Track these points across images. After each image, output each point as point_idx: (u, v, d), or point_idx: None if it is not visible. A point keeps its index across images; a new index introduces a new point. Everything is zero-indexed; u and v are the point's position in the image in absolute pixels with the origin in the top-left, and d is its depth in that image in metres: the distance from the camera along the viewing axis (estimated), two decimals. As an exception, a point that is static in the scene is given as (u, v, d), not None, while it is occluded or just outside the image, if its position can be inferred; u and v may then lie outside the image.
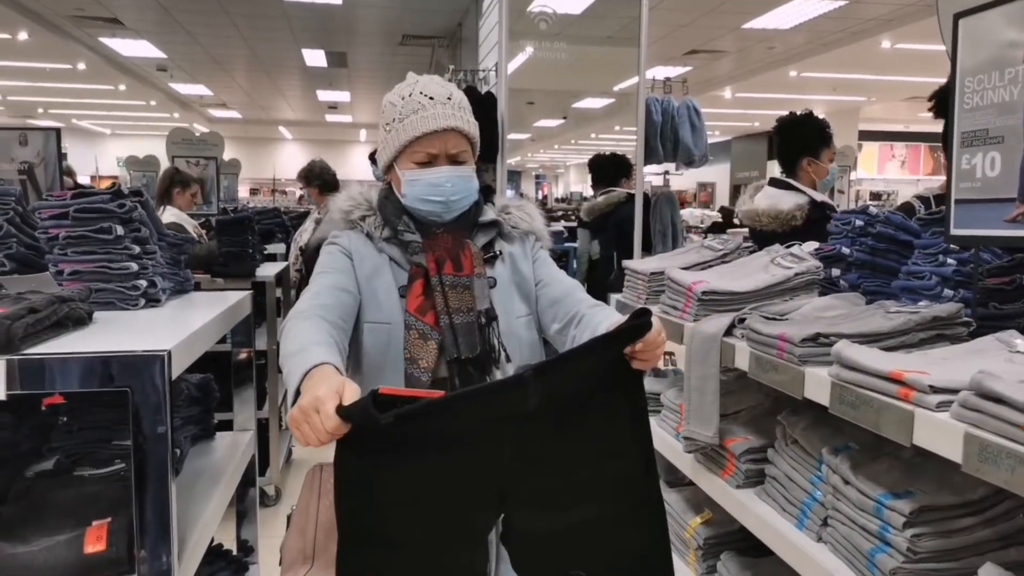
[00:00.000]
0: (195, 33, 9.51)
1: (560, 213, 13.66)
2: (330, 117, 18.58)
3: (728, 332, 1.79)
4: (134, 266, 1.58)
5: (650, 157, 4.43)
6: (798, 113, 3.11)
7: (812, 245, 2.11)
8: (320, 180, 5.15)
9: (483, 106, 4.24)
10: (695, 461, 1.92)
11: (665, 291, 2.15)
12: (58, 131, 3.61)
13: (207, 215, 6.01)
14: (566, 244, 6.65)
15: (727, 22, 8.41)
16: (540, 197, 25.84)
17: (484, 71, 4.46)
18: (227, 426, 2.06)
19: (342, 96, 15.10)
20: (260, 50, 10.62)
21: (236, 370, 2.09)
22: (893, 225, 1.88)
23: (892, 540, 1.25)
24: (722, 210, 12.24)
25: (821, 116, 3.23)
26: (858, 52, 9.29)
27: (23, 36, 9.09)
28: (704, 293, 1.95)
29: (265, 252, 4.60)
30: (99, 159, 17.87)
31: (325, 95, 14.92)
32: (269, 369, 3.81)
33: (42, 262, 1.65)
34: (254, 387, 2.14)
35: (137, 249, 1.60)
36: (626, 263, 2.50)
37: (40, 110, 17.01)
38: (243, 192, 17.81)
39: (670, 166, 4.69)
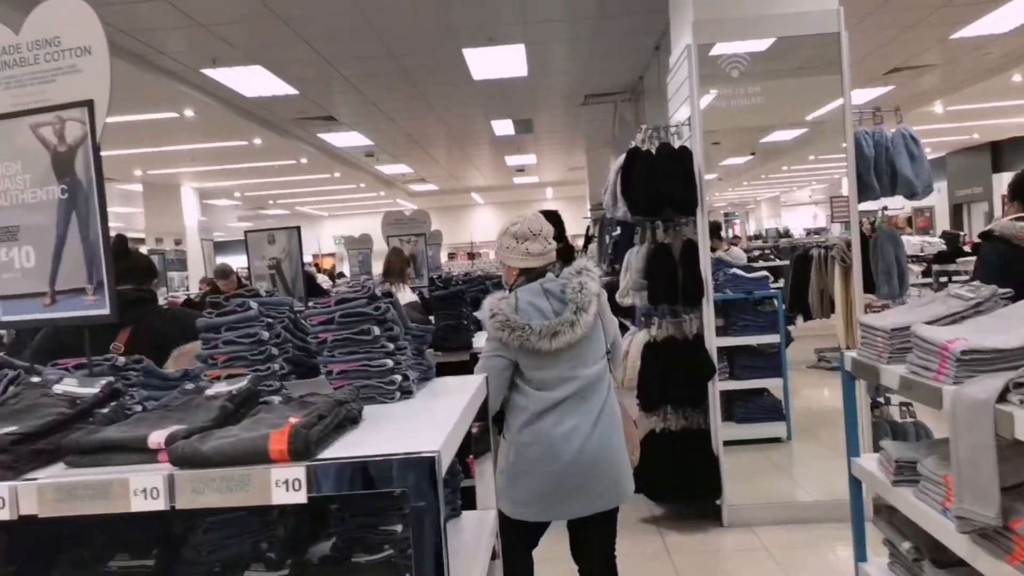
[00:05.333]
0: (397, 120, 10.39)
1: (758, 252, 13.06)
2: (517, 179, 19.38)
3: (1001, 397, 1.61)
4: (390, 362, 1.73)
5: (865, 193, 4.16)
6: None
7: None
8: None
9: (678, 160, 4.23)
10: (971, 542, 1.73)
11: (913, 349, 1.98)
12: (298, 229, 4.08)
13: (418, 287, 6.42)
14: (771, 288, 6.34)
15: (932, 35, 7.79)
16: (731, 236, 25.00)
17: (676, 126, 4.45)
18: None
19: (528, 159, 15.72)
20: (454, 127, 11.38)
21: (475, 443, 2.19)
22: None
23: None
24: (945, 235, 11.10)
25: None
26: (1097, 45, 8.20)
27: (257, 141, 10.44)
28: (963, 352, 1.77)
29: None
30: (320, 239, 19.84)
31: (513, 160, 15.62)
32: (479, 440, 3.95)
33: (311, 362, 1.85)
34: (493, 459, 2.22)
35: (391, 346, 1.74)
36: (861, 318, 2.34)
37: (270, 201, 19.31)
38: (442, 257, 18.93)
39: (888, 200, 4.37)
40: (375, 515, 1.67)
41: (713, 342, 4.24)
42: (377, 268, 11.46)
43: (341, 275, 16.06)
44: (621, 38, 7.34)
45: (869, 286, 4.35)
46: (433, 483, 1.23)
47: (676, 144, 4.42)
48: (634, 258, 4.64)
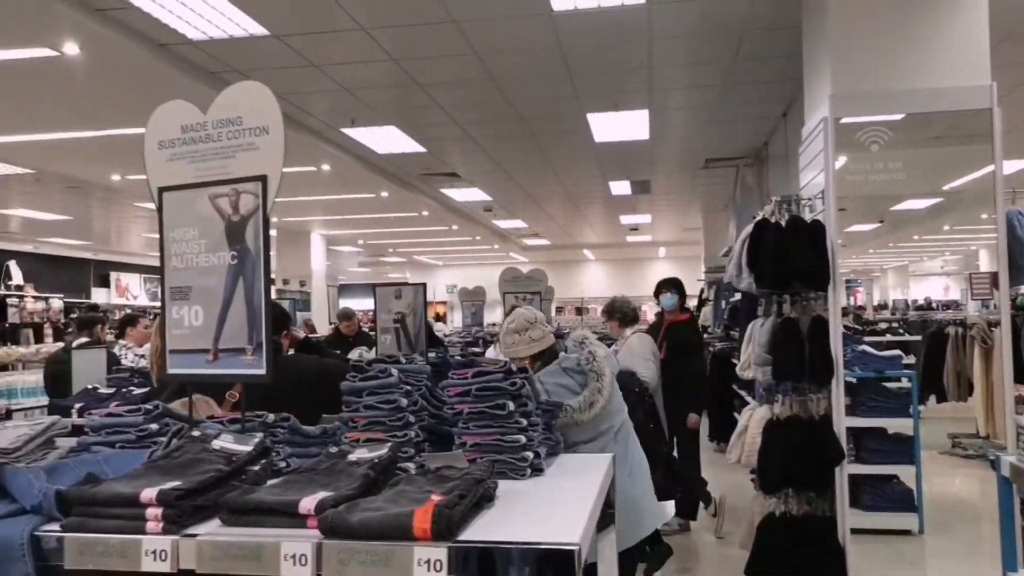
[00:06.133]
0: (517, 177, 10.64)
1: (884, 326, 12.31)
2: (631, 238, 19.29)
3: None
4: (523, 439, 1.74)
5: (1016, 277, 3.89)
6: None
7: None
8: (620, 314, 5.51)
9: (810, 234, 4.09)
10: None
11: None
12: (424, 286, 4.20)
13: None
14: (904, 368, 5.97)
15: (1093, 106, 7.27)
16: (853, 304, 23.79)
17: (809, 199, 4.33)
18: None
19: (643, 219, 15.66)
20: (571, 186, 11.52)
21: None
22: None
23: None
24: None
25: None
26: None
27: (384, 194, 10.92)
28: None
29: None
30: (434, 288, 20.40)
31: (627, 219, 15.59)
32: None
33: (444, 430, 1.89)
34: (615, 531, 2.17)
35: (524, 422, 1.76)
36: (1021, 419, 2.16)
37: (390, 249, 20.06)
38: (551, 312, 18.98)
39: (1043, 285, 4.07)
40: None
41: (842, 424, 4.01)
42: (488, 318, 11.62)
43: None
44: (747, 105, 7.27)
45: (1020, 374, 4.03)
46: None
47: (807, 216, 4.29)
48: (758, 331, 4.49)
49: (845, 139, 4.16)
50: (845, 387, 4.26)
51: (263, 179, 1.75)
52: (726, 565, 4.82)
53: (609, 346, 6.20)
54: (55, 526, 1.42)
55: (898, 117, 6.00)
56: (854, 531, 4.05)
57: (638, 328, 5.50)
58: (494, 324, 11.76)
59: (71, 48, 5.11)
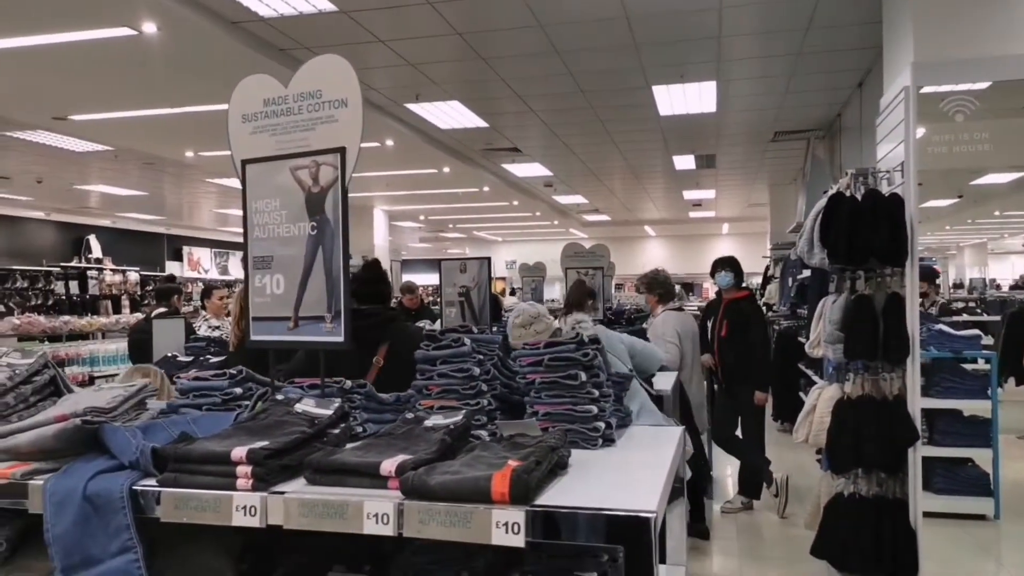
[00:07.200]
0: (578, 152, 10.56)
1: (961, 305, 11.87)
2: (693, 213, 18.96)
3: None
4: (594, 409, 1.75)
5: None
6: None
7: None
8: (663, 289, 5.47)
9: (887, 209, 3.96)
10: None
11: None
12: (489, 260, 4.24)
13: (594, 320, 6.46)
14: (983, 348, 5.74)
15: None
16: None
17: (887, 172, 4.18)
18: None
19: (707, 194, 15.37)
20: (633, 160, 11.37)
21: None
22: None
23: None
24: None
25: None
26: None
27: (446, 169, 10.99)
28: None
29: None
30: (494, 263, 20.45)
31: (691, 194, 15.32)
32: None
33: (515, 399, 1.92)
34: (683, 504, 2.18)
35: (596, 393, 1.77)
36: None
37: (450, 225, 20.20)
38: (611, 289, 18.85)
39: None
40: (572, 558, 1.68)
41: (917, 405, 3.90)
42: (548, 294, 11.61)
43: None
44: (820, 75, 7.03)
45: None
46: (648, 543, 1.23)
47: (884, 189, 4.14)
48: (829, 308, 4.37)
49: (926, 109, 3.99)
50: (921, 367, 4.13)
51: (342, 151, 1.78)
52: (791, 545, 4.77)
53: (644, 320, 6.21)
54: (151, 481, 1.50)
55: (983, 85, 5.72)
56: (926, 514, 3.95)
57: (671, 306, 5.48)
58: (553, 300, 11.78)
59: (149, 27, 5.28)
